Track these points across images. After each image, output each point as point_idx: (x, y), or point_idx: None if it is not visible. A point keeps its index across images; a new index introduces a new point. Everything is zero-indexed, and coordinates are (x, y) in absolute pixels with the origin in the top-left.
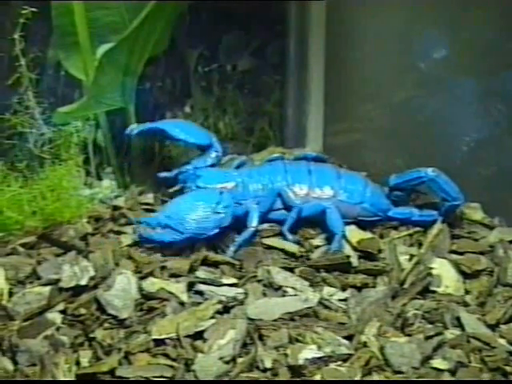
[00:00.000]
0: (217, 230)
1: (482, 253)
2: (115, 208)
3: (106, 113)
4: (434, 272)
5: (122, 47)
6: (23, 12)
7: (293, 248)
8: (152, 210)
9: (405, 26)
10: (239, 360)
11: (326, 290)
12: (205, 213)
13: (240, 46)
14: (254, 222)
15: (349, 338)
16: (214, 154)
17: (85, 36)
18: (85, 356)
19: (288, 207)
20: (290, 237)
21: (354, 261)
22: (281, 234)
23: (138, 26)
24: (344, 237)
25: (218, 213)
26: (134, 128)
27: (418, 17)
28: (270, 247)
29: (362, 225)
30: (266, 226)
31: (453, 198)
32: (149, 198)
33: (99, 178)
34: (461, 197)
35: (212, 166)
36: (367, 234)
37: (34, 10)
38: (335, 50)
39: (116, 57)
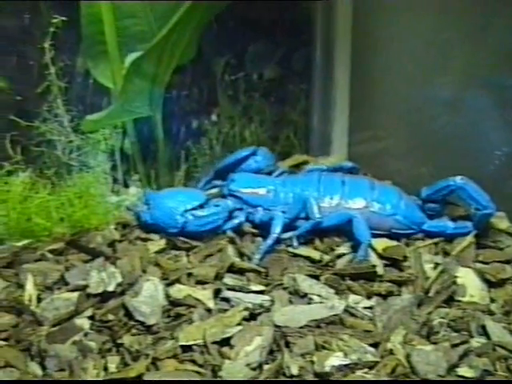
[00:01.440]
0: (175, 230)
1: (507, 262)
2: None
3: (133, 121)
4: (458, 281)
5: (150, 56)
6: (53, 21)
7: (317, 255)
8: None
9: (431, 34)
10: (266, 367)
11: (352, 297)
12: (173, 209)
13: (266, 55)
14: (277, 229)
15: (375, 345)
16: (258, 158)
17: (113, 45)
18: (113, 362)
19: (308, 218)
20: (295, 243)
21: (380, 270)
22: (307, 243)
23: (165, 35)
24: (370, 246)
25: (183, 215)
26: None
27: (445, 24)
28: (295, 255)
29: (395, 237)
30: (291, 233)
31: (483, 206)
32: None
33: (126, 186)
34: (491, 205)
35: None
36: (393, 242)
37: (63, 18)
38: (361, 58)
39: (144, 65)
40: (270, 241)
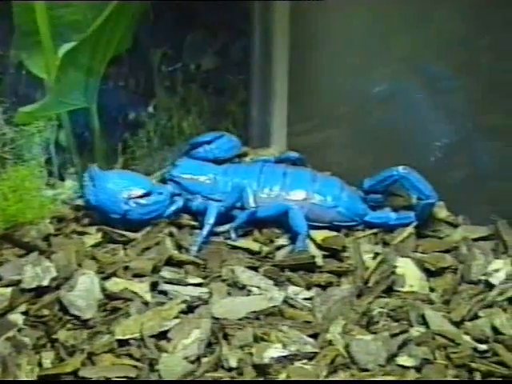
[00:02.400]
0: (117, 217)
1: (446, 251)
2: (78, 208)
3: (68, 113)
4: (398, 271)
5: (85, 46)
6: None
7: (256, 247)
8: None
9: (370, 26)
10: (204, 359)
11: (291, 289)
12: (117, 195)
13: (204, 45)
14: (210, 219)
15: (314, 336)
16: (212, 146)
17: (46, 35)
18: (47, 357)
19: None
20: (233, 235)
21: (319, 260)
22: (246, 235)
23: (100, 25)
24: (308, 237)
25: (127, 203)
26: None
27: (383, 16)
28: (234, 247)
29: (337, 230)
30: (228, 226)
31: (426, 196)
32: None
33: (62, 179)
34: (434, 195)
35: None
36: (332, 233)
37: None
38: (300, 48)
39: (78, 56)
40: (204, 231)
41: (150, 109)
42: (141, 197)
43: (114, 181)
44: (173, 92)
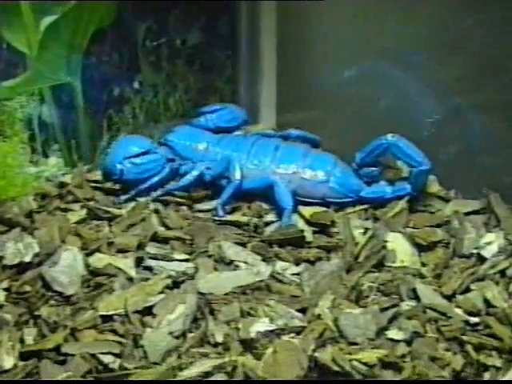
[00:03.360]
0: (115, 177)
1: (438, 225)
2: (62, 185)
3: (51, 88)
4: (388, 246)
5: (67, 20)
6: None
7: (245, 219)
8: (100, 188)
9: (362, 7)
10: (190, 335)
11: (279, 264)
12: (114, 156)
13: (189, 20)
14: (189, 176)
15: (302, 310)
16: (212, 116)
17: (27, 8)
18: (29, 334)
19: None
20: (220, 212)
21: (308, 235)
22: (234, 211)
23: None
24: (294, 211)
25: (122, 163)
26: None
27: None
28: (222, 223)
29: (332, 206)
30: (215, 202)
31: (418, 162)
32: (97, 175)
33: (46, 156)
34: (427, 161)
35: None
36: (321, 208)
37: None
38: (287, 24)
39: (60, 30)
40: (175, 185)
41: (136, 84)
42: (136, 156)
43: (116, 144)
44: (158, 68)
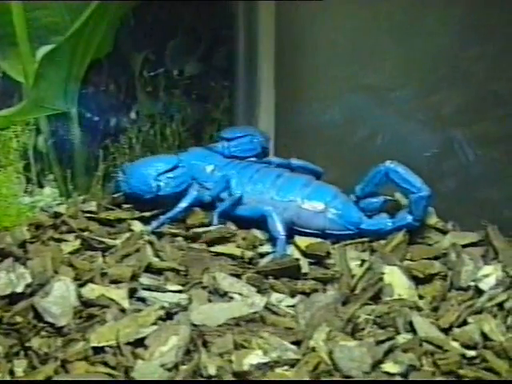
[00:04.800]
0: (151, 196)
1: (435, 257)
2: (56, 215)
3: (47, 117)
4: (385, 280)
5: (64, 49)
6: None
7: (238, 252)
8: (95, 219)
9: (357, 32)
10: (182, 367)
11: (274, 296)
12: (146, 175)
13: (187, 51)
14: (183, 203)
15: (297, 343)
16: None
17: (23, 37)
18: (20, 365)
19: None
20: (215, 220)
21: (304, 266)
22: (228, 241)
23: (79, 28)
24: (289, 241)
25: (159, 180)
26: None
27: (374, 16)
28: (217, 254)
29: (331, 239)
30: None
31: (417, 188)
32: (92, 205)
33: (40, 186)
34: (426, 187)
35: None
36: (317, 239)
37: None
38: (286, 54)
39: (57, 59)
40: (171, 213)
41: (132, 115)
42: (168, 171)
43: (140, 166)
44: (155, 98)
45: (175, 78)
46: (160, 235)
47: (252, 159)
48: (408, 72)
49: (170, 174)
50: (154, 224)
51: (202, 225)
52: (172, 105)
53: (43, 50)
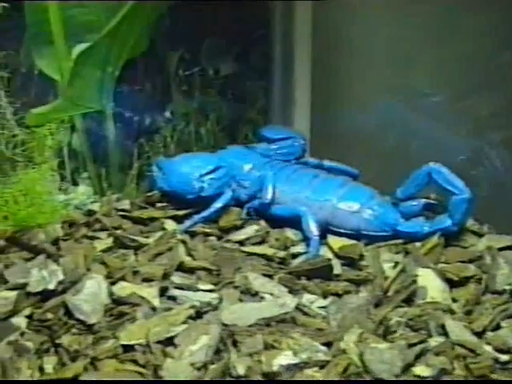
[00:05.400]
0: (192, 196)
1: (470, 261)
2: (90, 213)
3: (82, 115)
4: (419, 283)
5: (99, 47)
6: None
7: (272, 252)
8: (128, 217)
9: (394, 35)
10: (211, 366)
11: (306, 296)
12: (189, 175)
13: (223, 50)
14: (218, 203)
15: (327, 344)
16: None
17: (59, 35)
18: (49, 362)
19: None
20: (244, 214)
21: (337, 268)
22: (262, 242)
23: (115, 26)
24: (323, 242)
25: (202, 181)
26: None
27: (409, 22)
28: (250, 254)
29: (367, 240)
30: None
31: (460, 190)
32: (125, 204)
33: (75, 184)
34: (468, 190)
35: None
36: (351, 241)
37: (5, 5)
38: (322, 55)
39: (93, 57)
40: (205, 213)
41: (167, 114)
42: (211, 172)
43: (181, 164)
44: (190, 97)
45: (211, 78)
46: (193, 234)
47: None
48: (444, 76)
49: (213, 175)
50: (188, 223)
51: (235, 227)
52: (207, 104)
53: (79, 48)
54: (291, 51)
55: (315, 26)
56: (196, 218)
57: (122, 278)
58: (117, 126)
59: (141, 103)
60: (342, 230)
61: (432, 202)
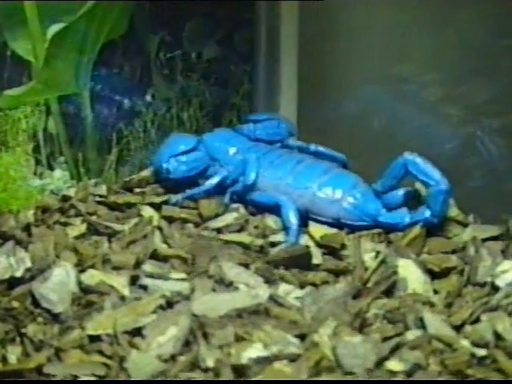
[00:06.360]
0: (163, 177)
1: (453, 251)
2: (65, 199)
3: (57, 98)
4: (400, 274)
5: (76, 28)
6: None
7: (249, 240)
8: (104, 203)
9: (381, 21)
10: (180, 358)
11: (283, 287)
12: (161, 155)
13: (205, 33)
14: (213, 180)
15: (301, 337)
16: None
17: (33, 14)
18: (14, 352)
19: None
20: (226, 199)
21: (317, 257)
22: (241, 230)
23: (92, 7)
24: (303, 231)
25: (169, 162)
26: None
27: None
28: (227, 242)
29: (348, 229)
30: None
31: (436, 181)
32: (102, 189)
33: (51, 168)
34: (445, 181)
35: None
36: (332, 230)
37: None
38: (310, 38)
39: (69, 38)
40: (196, 189)
41: (148, 98)
42: (182, 154)
43: (165, 142)
44: (172, 81)
45: (193, 61)
46: (171, 220)
47: (277, 144)
48: (433, 63)
49: (183, 158)
50: (179, 197)
51: (217, 215)
52: (190, 89)
53: (54, 28)
54: (277, 34)
55: (302, 8)
56: (188, 192)
57: (92, 266)
58: (95, 110)
59: (120, 86)
60: (323, 219)
61: (416, 190)
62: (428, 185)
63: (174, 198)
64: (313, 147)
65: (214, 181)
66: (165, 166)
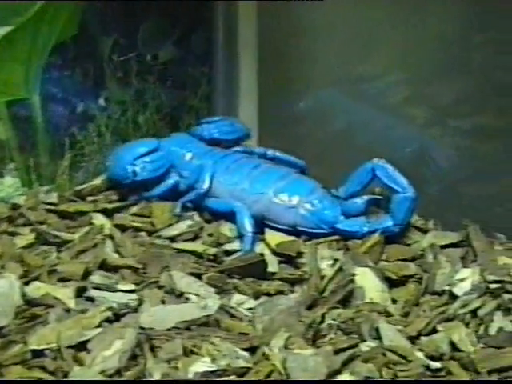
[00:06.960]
0: (129, 181)
1: (412, 259)
2: (14, 207)
3: (6, 103)
4: (356, 282)
5: (24, 30)
6: None
7: (202, 249)
8: (54, 211)
9: (345, 20)
10: (125, 373)
11: (236, 297)
12: (123, 160)
13: (161, 34)
14: (163, 187)
15: (251, 349)
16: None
17: None
18: None
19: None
20: (178, 209)
21: (274, 264)
22: (196, 238)
23: (41, 8)
24: (259, 238)
25: (134, 164)
26: None
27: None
28: (180, 251)
29: (305, 236)
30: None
31: (404, 188)
32: (53, 197)
33: (1, 175)
34: (412, 189)
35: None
36: (289, 237)
37: None
38: (269, 38)
39: (17, 41)
40: (147, 193)
41: (101, 101)
42: (145, 155)
43: (121, 150)
44: (127, 84)
45: (149, 64)
46: (123, 229)
47: (236, 148)
48: (399, 63)
49: (147, 158)
50: (140, 196)
51: (170, 224)
52: (146, 91)
53: (1, 31)
54: (235, 34)
55: (261, 8)
56: (145, 194)
57: (38, 278)
58: (47, 114)
59: (72, 90)
60: (279, 226)
61: (377, 197)
62: (395, 191)
63: (132, 198)
64: (270, 152)
65: (166, 185)
66: (130, 168)
